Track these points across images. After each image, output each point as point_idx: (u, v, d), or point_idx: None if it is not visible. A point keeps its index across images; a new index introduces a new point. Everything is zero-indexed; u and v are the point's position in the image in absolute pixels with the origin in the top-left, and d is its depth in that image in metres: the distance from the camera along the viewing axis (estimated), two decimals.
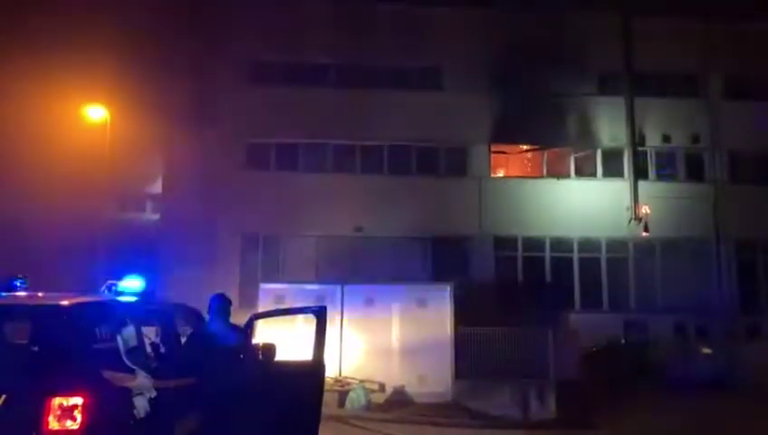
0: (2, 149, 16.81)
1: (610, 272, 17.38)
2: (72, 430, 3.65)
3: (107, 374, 4.01)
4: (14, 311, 4.42)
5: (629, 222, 17.02)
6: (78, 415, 3.65)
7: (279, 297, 12.58)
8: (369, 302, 13.08)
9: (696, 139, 17.87)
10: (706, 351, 14.05)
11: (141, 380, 4.31)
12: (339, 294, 12.65)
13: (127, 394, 4.14)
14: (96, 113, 16.76)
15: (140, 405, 4.23)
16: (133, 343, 4.54)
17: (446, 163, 17.59)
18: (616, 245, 17.36)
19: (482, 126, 17.52)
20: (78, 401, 3.67)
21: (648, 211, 16.90)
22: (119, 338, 4.38)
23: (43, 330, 4.01)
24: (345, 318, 12.54)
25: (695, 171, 17.99)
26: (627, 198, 17.28)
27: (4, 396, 3.58)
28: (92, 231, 17.67)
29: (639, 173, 17.43)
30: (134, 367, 4.31)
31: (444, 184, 17.28)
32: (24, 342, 4.26)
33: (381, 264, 16.33)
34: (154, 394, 4.36)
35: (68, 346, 3.90)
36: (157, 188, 21.40)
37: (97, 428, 3.74)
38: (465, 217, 16.99)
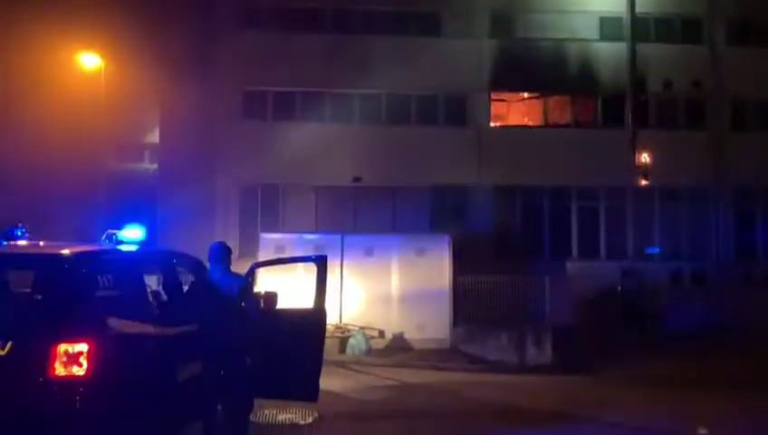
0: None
1: (608, 220, 17.46)
2: (78, 376, 3.74)
3: (111, 321, 4.08)
4: (17, 259, 4.45)
5: (629, 170, 16.97)
6: (84, 361, 3.74)
7: (279, 247, 12.65)
8: (369, 251, 13.17)
9: (697, 85, 17.63)
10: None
11: (144, 326, 4.38)
12: (338, 244, 12.72)
13: (131, 341, 4.22)
14: (90, 61, 16.46)
15: (144, 351, 4.32)
16: (135, 290, 4.59)
17: (446, 112, 17.42)
18: (614, 193, 17.37)
19: (482, 74, 17.26)
20: (83, 347, 3.75)
21: (648, 159, 16.83)
22: (121, 286, 4.42)
23: (47, 278, 4.05)
24: (345, 267, 12.64)
25: (695, 119, 17.83)
26: (626, 146, 17.18)
27: (10, 343, 3.65)
28: (90, 181, 17.64)
29: (640, 121, 17.26)
30: (137, 314, 4.37)
31: (443, 133, 17.14)
32: (27, 290, 4.31)
33: (380, 214, 16.39)
34: (157, 341, 4.44)
35: (72, 294, 3.95)
36: (154, 137, 21.25)
37: (102, 373, 3.83)
38: (465, 166, 16.93)
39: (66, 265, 4.14)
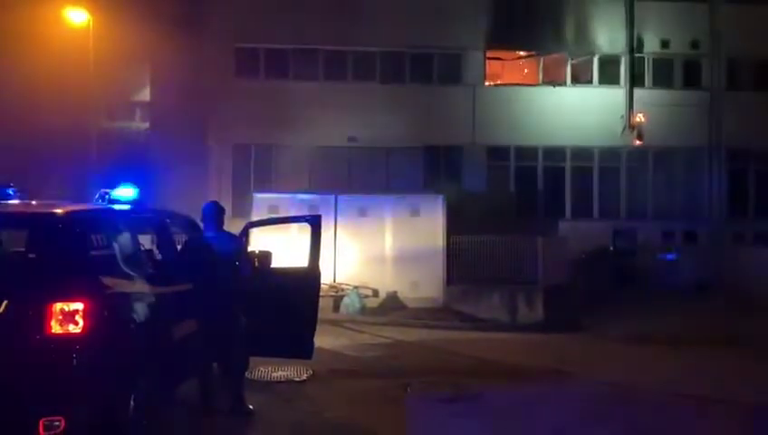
0: None
1: (602, 181, 17.51)
2: (75, 334, 3.77)
3: (106, 280, 4.08)
4: (12, 219, 4.43)
5: (623, 130, 16.93)
6: (79, 319, 3.76)
7: (272, 207, 12.62)
8: (363, 211, 13.17)
9: (695, 45, 17.45)
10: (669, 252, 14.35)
11: (139, 285, 4.40)
12: (332, 204, 12.70)
13: (126, 299, 4.24)
14: (78, 17, 16.04)
15: (139, 310, 4.34)
16: (130, 250, 4.59)
17: (441, 71, 17.22)
18: (608, 154, 17.37)
19: (477, 31, 17.00)
20: (79, 306, 3.76)
21: (643, 119, 16.77)
22: (115, 245, 4.42)
23: (42, 238, 4.04)
24: (339, 227, 12.66)
25: (692, 78, 17.71)
26: (622, 107, 17.10)
27: (5, 302, 3.65)
28: (80, 139, 17.42)
29: (636, 80, 17.13)
30: (132, 273, 4.38)
31: (438, 92, 16.98)
32: (21, 249, 4.29)
33: (374, 174, 16.33)
34: (152, 299, 4.46)
35: (67, 253, 3.95)
36: (145, 95, 20.92)
37: (98, 332, 3.85)
38: (459, 126, 16.84)
39: (61, 225, 4.13)
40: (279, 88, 16.38)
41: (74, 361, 3.78)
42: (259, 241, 7.78)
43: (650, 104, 16.94)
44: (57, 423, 3.65)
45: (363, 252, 12.83)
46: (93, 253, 4.13)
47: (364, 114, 16.31)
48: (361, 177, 16.15)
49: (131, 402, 4.16)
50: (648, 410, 6.15)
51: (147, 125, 21.37)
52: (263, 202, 13.01)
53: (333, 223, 12.54)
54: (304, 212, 10.42)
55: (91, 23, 16.00)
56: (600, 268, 14.33)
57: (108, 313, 3.97)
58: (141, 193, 5.21)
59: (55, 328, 3.73)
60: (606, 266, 14.84)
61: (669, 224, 17.08)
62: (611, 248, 16.08)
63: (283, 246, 7.18)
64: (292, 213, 11.05)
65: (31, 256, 4.06)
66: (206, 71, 16.44)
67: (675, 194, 17.52)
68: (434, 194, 13.62)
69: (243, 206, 14.02)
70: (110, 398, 3.98)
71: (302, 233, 7.92)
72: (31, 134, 15.99)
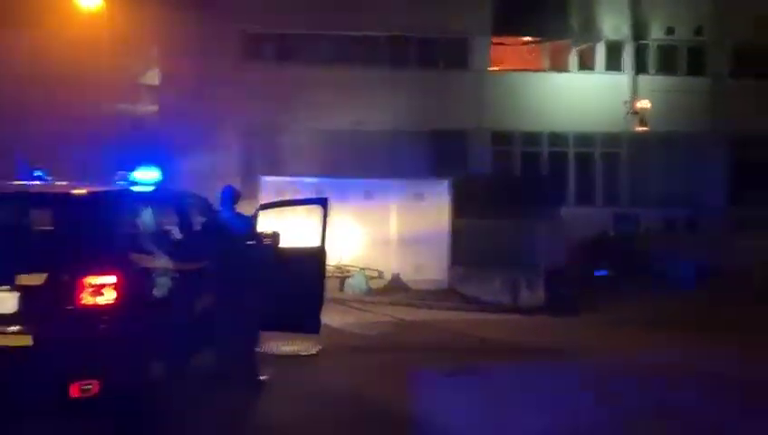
0: None
1: (604, 167, 17.67)
2: (105, 305, 4.09)
3: (133, 256, 4.40)
4: (46, 199, 4.73)
5: (626, 116, 17.07)
6: (110, 292, 4.08)
7: (280, 190, 12.90)
8: (368, 195, 13.45)
9: (699, 31, 17.50)
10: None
11: (162, 262, 4.71)
12: (338, 188, 12.95)
13: (151, 274, 4.56)
14: (90, 1, 16.23)
15: (162, 284, 4.66)
16: (152, 228, 4.90)
17: (446, 56, 17.33)
18: (611, 140, 17.52)
19: (483, 16, 17.07)
20: (109, 279, 4.08)
21: (647, 106, 16.89)
22: (141, 224, 4.74)
23: (76, 216, 4.36)
24: (345, 210, 12.93)
25: (696, 65, 17.78)
26: (625, 93, 17.21)
27: (45, 275, 3.97)
28: (91, 122, 17.64)
29: (640, 67, 17.23)
30: (156, 250, 4.69)
31: (443, 77, 17.11)
32: (49, 228, 4.62)
33: (380, 158, 16.52)
34: (174, 274, 4.77)
35: (98, 231, 4.27)
36: (153, 79, 21.10)
37: (126, 303, 4.17)
38: (464, 111, 16.98)
39: (93, 205, 4.44)
40: (286, 72, 16.55)
41: (105, 330, 4.10)
42: (267, 222, 8.07)
43: (654, 90, 17.05)
44: (90, 387, 3.97)
45: (368, 235, 13.12)
46: (122, 230, 4.45)
47: (370, 98, 16.48)
48: (367, 161, 16.35)
49: (156, 370, 4.49)
50: (637, 381, 6.44)
51: (155, 108, 21.56)
52: (270, 185, 13.30)
53: (340, 206, 12.81)
54: (311, 195, 10.72)
55: (103, 7, 16.18)
56: (600, 254, 14.56)
57: (135, 286, 4.28)
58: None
59: (88, 299, 4.05)
60: (607, 252, 15.05)
61: (671, 210, 17.24)
62: (612, 234, 16.28)
63: (289, 227, 7.45)
64: (299, 196, 11.35)
65: (66, 233, 4.38)
66: (214, 55, 16.61)
67: (677, 180, 17.67)
68: (439, 178, 13.86)
69: (250, 188, 14.28)
70: (137, 365, 4.30)
71: (308, 215, 8.23)
72: (44, 114, 16.22)
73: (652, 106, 16.79)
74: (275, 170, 15.54)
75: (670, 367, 7.02)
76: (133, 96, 23.92)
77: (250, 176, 15.48)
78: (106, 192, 4.70)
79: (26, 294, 3.98)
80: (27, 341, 3.96)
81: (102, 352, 4.06)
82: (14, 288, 3.98)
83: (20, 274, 3.99)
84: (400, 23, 16.62)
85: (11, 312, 3.98)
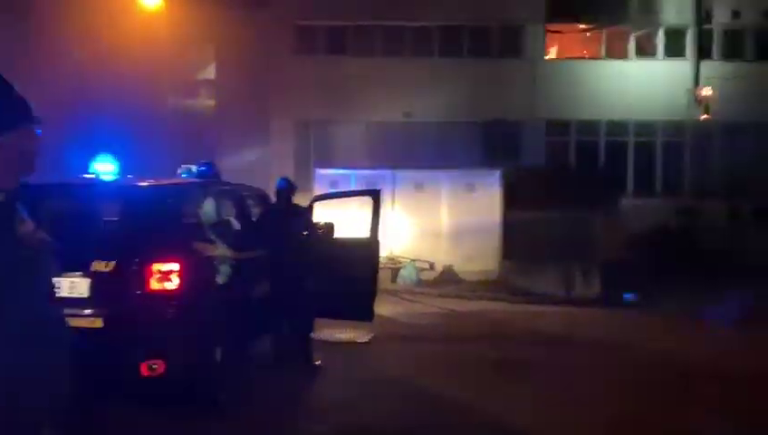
0: (62, 37, 17.26)
1: (665, 156, 17.11)
2: (171, 290, 4.34)
3: (196, 245, 4.63)
4: (117, 192, 5.03)
5: (689, 104, 16.46)
6: (175, 278, 4.31)
7: (333, 182, 13.11)
8: (419, 186, 13.49)
9: (767, 14, 16.65)
10: None
11: (222, 250, 4.92)
12: (390, 179, 13.06)
13: (212, 262, 4.78)
14: (151, 1, 16.83)
15: (223, 271, 4.87)
16: (213, 219, 5.12)
17: (499, 44, 17.11)
18: (673, 129, 16.94)
19: (537, 3, 16.77)
20: (175, 266, 4.32)
21: (710, 93, 16.24)
22: (202, 215, 4.97)
23: (144, 208, 4.65)
24: (396, 202, 13.03)
25: (764, 50, 16.94)
26: (688, 80, 16.59)
27: (114, 262, 4.23)
28: (152, 116, 18.30)
29: (703, 52, 16.56)
30: (216, 239, 4.90)
31: (496, 66, 16.91)
32: (120, 218, 4.90)
33: (431, 149, 16.52)
34: (234, 263, 4.98)
35: (164, 221, 4.55)
36: (210, 74, 21.72)
37: (190, 289, 4.40)
38: (518, 100, 16.75)
39: (159, 197, 4.71)
40: (337, 64, 16.72)
41: (170, 313, 4.34)
42: (321, 213, 8.24)
43: (718, 77, 16.36)
44: (156, 366, 4.21)
45: (420, 226, 13.17)
46: (186, 221, 4.69)
47: (422, 89, 16.46)
48: (418, 152, 16.39)
49: (217, 353, 4.71)
50: (693, 380, 6.28)
51: (212, 103, 22.19)
52: (324, 177, 13.53)
53: (391, 197, 12.91)
54: (363, 187, 10.86)
55: (163, 6, 16.75)
56: (661, 246, 14.11)
57: (198, 273, 4.52)
58: (210, 168, 5.79)
59: (155, 285, 4.30)
60: (668, 244, 14.60)
61: (736, 202, 16.56)
62: (674, 225, 15.77)
63: (341, 218, 7.59)
64: (352, 187, 11.51)
65: (134, 223, 4.64)
66: (267, 49, 16.95)
67: (742, 171, 16.93)
68: (491, 169, 13.75)
69: (303, 180, 14.55)
70: (200, 347, 4.53)
71: (360, 206, 8.35)
72: (114, 113, 16.94)
73: (717, 93, 16.13)
74: (328, 163, 15.78)
75: (728, 361, 6.81)
76: (189, 90, 24.66)
77: (303, 168, 15.79)
78: (171, 185, 4.98)
79: (98, 279, 4.26)
80: (98, 323, 4.23)
81: (167, 335, 4.31)
82: (87, 274, 4.26)
83: (92, 261, 4.26)
84: (452, 12, 16.51)
85: (84, 296, 4.27)
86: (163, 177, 5.30)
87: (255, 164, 15.43)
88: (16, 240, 1.61)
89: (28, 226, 1.69)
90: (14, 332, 1.56)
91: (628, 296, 11.08)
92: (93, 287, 4.25)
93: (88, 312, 4.24)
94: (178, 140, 18.47)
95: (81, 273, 4.24)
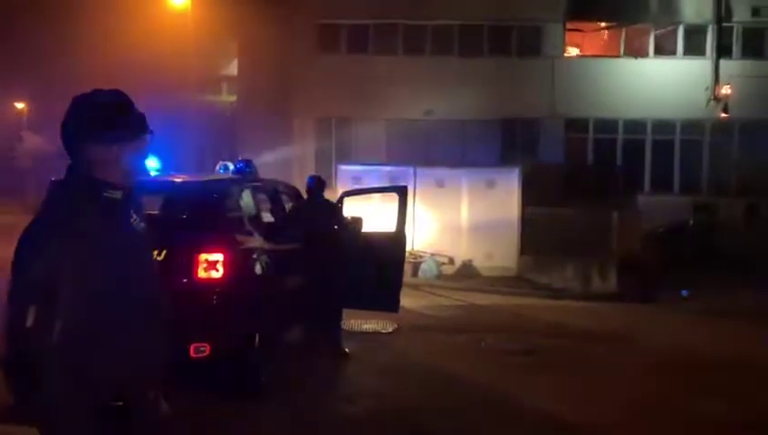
0: (94, 35, 17.74)
1: (684, 154, 17.19)
2: (216, 278, 4.69)
3: (238, 237, 4.98)
4: (165, 187, 5.40)
5: (708, 103, 16.52)
6: (220, 267, 4.66)
7: (355, 178, 13.37)
8: (440, 183, 13.73)
9: None
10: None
11: (260, 242, 5.26)
12: (411, 176, 13.31)
13: (252, 253, 5.13)
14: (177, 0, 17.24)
15: (261, 262, 5.21)
16: (251, 213, 5.47)
17: (519, 43, 17.28)
18: (691, 127, 17.01)
19: (557, 2, 16.92)
20: (220, 256, 4.68)
21: (729, 91, 16.29)
22: (242, 209, 5.32)
23: (191, 202, 5.02)
24: (417, 198, 13.28)
25: None
26: (707, 78, 16.66)
27: (165, 251, 4.58)
28: (177, 113, 18.72)
29: (723, 51, 16.59)
30: (254, 232, 5.25)
31: (516, 65, 17.09)
32: (169, 211, 5.26)
33: (452, 146, 16.74)
34: (271, 255, 5.33)
35: (209, 214, 4.90)
36: (232, 70, 22.12)
37: (233, 278, 4.75)
38: (537, 98, 16.92)
39: (205, 192, 5.08)
40: (359, 63, 16.99)
41: (215, 300, 4.69)
42: (346, 208, 8.56)
43: (738, 76, 16.40)
44: (203, 349, 4.56)
45: (440, 221, 13.43)
46: (228, 215, 5.04)
47: (442, 87, 16.68)
48: (439, 149, 16.62)
49: (257, 338, 5.05)
50: (701, 371, 6.50)
51: (234, 98, 22.57)
52: (346, 174, 13.81)
53: (412, 194, 13.16)
54: (385, 183, 11.15)
55: (189, 5, 17.16)
56: (678, 243, 14.23)
57: (240, 263, 4.87)
58: (254, 166, 6.15)
59: (201, 273, 4.66)
60: (684, 242, 14.70)
61: (754, 200, 16.60)
62: (691, 223, 15.86)
63: (366, 214, 7.90)
64: (374, 184, 11.80)
65: (183, 216, 5.01)
66: (290, 46, 17.25)
67: (761, 169, 16.95)
68: (510, 166, 13.97)
69: (325, 177, 14.85)
70: (242, 332, 4.88)
71: (384, 202, 8.66)
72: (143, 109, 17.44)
73: (736, 92, 16.18)
74: (349, 159, 16.09)
75: (740, 356, 7.01)
76: (212, 86, 25.10)
77: (325, 165, 16.11)
78: (216, 181, 5.33)
79: None
80: None
81: (213, 319, 4.66)
82: None
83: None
84: (473, 11, 16.70)
85: None
86: (200, 172, 5.67)
87: (277, 160, 15.77)
88: (132, 230, 1.95)
89: (135, 217, 2.02)
90: (139, 317, 1.86)
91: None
92: None
93: None
94: (201, 136, 18.86)
95: None
